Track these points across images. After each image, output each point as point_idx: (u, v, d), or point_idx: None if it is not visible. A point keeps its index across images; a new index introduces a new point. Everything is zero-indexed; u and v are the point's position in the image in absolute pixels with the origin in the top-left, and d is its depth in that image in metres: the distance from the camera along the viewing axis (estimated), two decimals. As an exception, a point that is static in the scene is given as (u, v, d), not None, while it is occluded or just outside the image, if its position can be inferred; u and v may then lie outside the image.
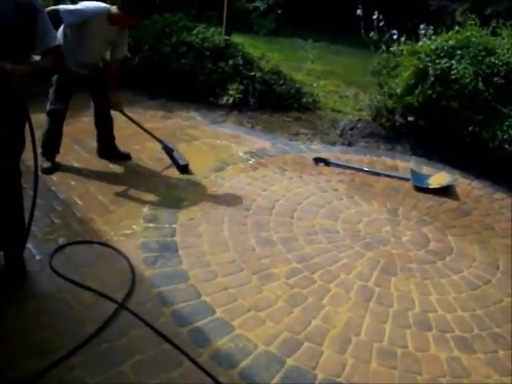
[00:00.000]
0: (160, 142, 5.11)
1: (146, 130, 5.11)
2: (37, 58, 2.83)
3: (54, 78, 4.50)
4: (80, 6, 4.31)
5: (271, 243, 3.79)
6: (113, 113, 4.92)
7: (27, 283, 3.13)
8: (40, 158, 4.17)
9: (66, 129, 4.97)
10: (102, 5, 4.38)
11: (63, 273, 3.22)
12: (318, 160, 5.34)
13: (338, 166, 5.29)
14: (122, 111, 4.92)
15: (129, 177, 4.65)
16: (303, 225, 4.09)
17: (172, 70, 6.95)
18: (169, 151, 5.05)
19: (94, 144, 5.00)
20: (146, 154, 5.12)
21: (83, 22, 4.24)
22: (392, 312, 3.21)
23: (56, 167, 4.63)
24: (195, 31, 7.36)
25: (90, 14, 4.24)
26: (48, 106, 4.58)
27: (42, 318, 2.87)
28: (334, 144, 6.00)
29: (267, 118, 6.64)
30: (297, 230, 4.01)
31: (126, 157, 5.00)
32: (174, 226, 3.88)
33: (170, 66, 6.98)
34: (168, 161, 4.97)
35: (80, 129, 5.44)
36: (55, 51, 2.81)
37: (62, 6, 4.23)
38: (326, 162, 5.32)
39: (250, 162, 5.20)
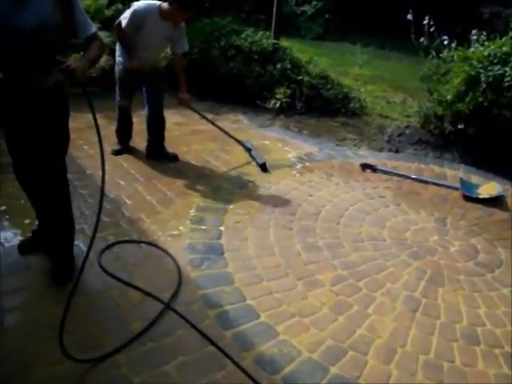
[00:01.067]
0: (238, 141, 5.30)
1: (220, 129, 5.32)
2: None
3: (116, 76, 4.82)
4: (133, 7, 4.52)
5: (317, 249, 3.76)
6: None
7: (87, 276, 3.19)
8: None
9: (115, 129, 5.09)
10: (155, 2, 4.55)
11: (111, 271, 3.28)
12: (365, 166, 5.28)
13: (385, 172, 5.22)
14: (190, 107, 5.09)
15: (176, 178, 4.70)
16: (349, 231, 4.05)
17: (220, 73, 7.01)
18: (247, 150, 5.22)
19: (142, 145, 5.08)
20: (193, 155, 5.17)
21: (137, 21, 4.47)
22: (439, 324, 3.13)
23: (126, 150, 5.14)
24: (244, 35, 7.42)
25: (141, 9, 4.47)
26: (116, 102, 5.00)
27: (91, 315, 2.93)
28: (381, 150, 5.93)
29: (314, 123, 6.62)
30: (343, 236, 3.97)
31: (173, 158, 5.07)
32: (220, 228, 3.90)
33: (218, 69, 7.05)
34: (214, 162, 5.00)
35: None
36: (97, 38, 2.92)
37: (121, 17, 4.54)
38: (373, 169, 5.26)
39: (297, 166, 5.19)
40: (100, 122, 4.96)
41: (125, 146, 5.19)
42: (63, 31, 2.79)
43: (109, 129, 5.33)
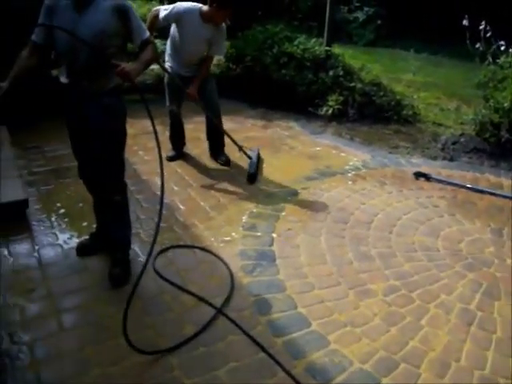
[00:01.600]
0: (239, 147, 5.19)
1: (227, 134, 5.20)
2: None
3: (165, 81, 4.97)
4: (177, 4, 4.70)
5: (369, 258, 3.73)
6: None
7: (132, 283, 3.26)
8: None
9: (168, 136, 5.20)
10: (197, 4, 4.69)
11: (165, 275, 3.34)
12: (418, 174, 5.20)
13: (440, 181, 5.13)
14: (199, 103, 4.95)
15: (229, 184, 4.75)
16: (402, 241, 3.99)
17: (273, 80, 7.04)
18: (248, 157, 5.17)
19: (195, 151, 5.17)
20: (246, 162, 5.21)
21: (178, 21, 4.64)
22: (495, 339, 3.05)
23: (179, 156, 5.28)
24: (296, 42, 7.43)
25: (182, 10, 4.61)
26: (166, 107, 5.12)
27: (146, 318, 3.00)
28: (435, 158, 5.82)
29: (366, 130, 6.56)
30: (396, 246, 3.92)
31: (226, 163, 5.16)
32: (272, 235, 3.92)
33: (271, 76, 7.08)
34: (267, 169, 5.04)
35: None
36: (150, 42, 3.03)
37: (162, 7, 4.68)
38: (427, 177, 5.17)
39: (349, 174, 5.15)
40: (156, 128, 5.04)
41: (178, 152, 5.32)
42: (120, 37, 2.97)
43: (164, 135, 5.44)
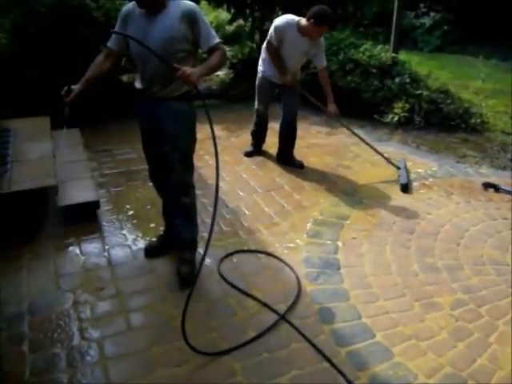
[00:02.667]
0: (387, 160, 5.34)
1: (369, 145, 5.41)
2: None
3: (256, 83, 5.31)
4: (273, 23, 4.94)
5: (436, 270, 3.64)
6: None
7: (197, 285, 3.31)
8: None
9: (235, 141, 5.25)
10: (294, 17, 4.87)
11: (230, 279, 3.38)
12: (487, 185, 5.04)
13: (509, 192, 4.95)
14: (339, 120, 5.33)
15: (293, 190, 4.76)
16: (470, 253, 3.88)
17: (338, 86, 6.99)
18: (397, 168, 5.25)
19: (258, 158, 5.21)
20: (310, 169, 5.24)
21: (280, 35, 4.83)
22: None
23: (257, 153, 5.57)
24: (362, 48, 7.37)
25: (281, 25, 4.82)
26: (255, 107, 5.43)
27: (210, 320, 3.04)
28: (504, 169, 5.62)
29: (433, 138, 6.42)
30: (463, 258, 3.81)
31: (299, 166, 5.28)
32: (336, 243, 3.89)
33: (336, 82, 7.02)
34: (331, 177, 5.01)
35: (248, 142, 5.69)
36: (218, 48, 3.06)
37: (268, 37, 4.96)
38: (496, 188, 5.00)
39: (415, 183, 5.05)
40: (220, 133, 5.25)
41: (256, 149, 5.61)
42: (189, 42, 3.04)
43: (228, 140, 5.53)
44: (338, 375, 2.67)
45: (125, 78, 7.71)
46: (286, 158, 5.37)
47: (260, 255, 3.71)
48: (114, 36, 3.18)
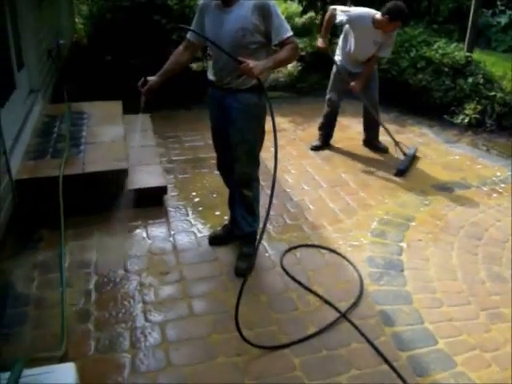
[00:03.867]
0: (396, 142, 5.39)
1: (385, 129, 5.48)
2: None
3: (332, 70, 5.48)
4: (352, 9, 5.23)
5: (503, 280, 3.51)
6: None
7: (259, 277, 3.33)
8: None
9: (301, 134, 5.22)
10: (370, 11, 5.10)
11: (292, 273, 3.38)
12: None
13: None
14: (360, 96, 5.35)
15: (359, 188, 4.70)
16: (541, 265, 3.72)
17: (408, 84, 6.85)
18: (403, 154, 5.34)
19: (327, 151, 5.18)
20: (377, 165, 5.14)
21: (352, 24, 5.11)
22: None
23: (324, 146, 5.58)
24: (435, 46, 7.15)
25: (356, 15, 5.08)
26: (326, 95, 5.53)
27: (271, 313, 3.05)
28: None
29: (505, 142, 6.17)
30: (533, 269, 3.66)
31: (384, 150, 5.53)
32: (401, 244, 3.82)
33: (406, 80, 6.89)
34: (400, 179, 4.92)
35: (314, 135, 5.66)
36: (289, 42, 3.03)
37: (338, 7, 5.19)
38: None
39: (484, 187, 4.88)
40: (286, 126, 5.24)
41: (324, 143, 5.62)
42: (261, 34, 3.02)
43: (295, 133, 5.51)
44: (397, 379, 2.62)
45: (194, 66, 7.82)
46: (372, 144, 5.63)
47: (323, 251, 3.68)
48: (192, 28, 3.24)
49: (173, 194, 4.34)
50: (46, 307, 3.02)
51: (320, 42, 5.31)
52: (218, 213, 4.09)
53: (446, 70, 6.85)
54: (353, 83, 5.19)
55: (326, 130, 5.62)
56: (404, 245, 3.82)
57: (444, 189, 4.77)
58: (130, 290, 3.19)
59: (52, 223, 3.69)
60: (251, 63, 2.86)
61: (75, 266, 3.40)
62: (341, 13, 5.09)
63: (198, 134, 5.57)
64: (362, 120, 5.70)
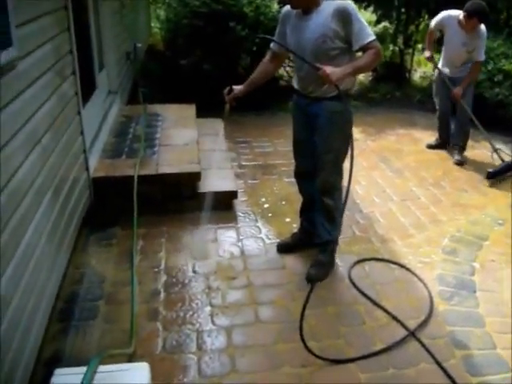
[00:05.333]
0: (494, 149, 5.43)
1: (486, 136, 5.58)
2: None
3: (434, 76, 5.82)
4: (439, 15, 5.45)
5: None
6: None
7: (327, 288, 3.30)
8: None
9: (371, 144, 5.13)
10: (457, 11, 5.24)
11: (360, 287, 3.32)
12: None
13: None
14: (459, 102, 5.44)
15: (430, 203, 4.59)
16: None
17: (484, 97, 6.62)
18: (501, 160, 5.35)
19: (398, 164, 5.08)
20: (450, 180, 5.01)
21: (442, 28, 5.41)
22: None
23: (438, 147, 5.83)
24: (515, 60, 6.89)
25: (439, 17, 5.38)
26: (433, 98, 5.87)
27: (339, 326, 3.00)
28: None
29: None
30: None
31: (461, 162, 5.49)
32: (473, 264, 3.69)
33: (482, 93, 6.66)
34: (473, 193, 4.78)
35: (385, 147, 5.57)
36: (371, 47, 2.97)
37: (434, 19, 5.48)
38: None
39: None
40: (358, 135, 5.16)
41: (440, 144, 5.85)
42: (342, 40, 3.00)
43: (366, 144, 5.44)
44: (467, 405, 2.54)
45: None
46: (455, 152, 5.62)
47: (393, 266, 3.60)
48: (276, 38, 3.27)
49: (242, 199, 4.38)
50: (116, 303, 3.10)
51: (426, 53, 5.63)
52: (288, 219, 4.10)
53: (525, 84, 6.60)
54: (455, 90, 5.33)
55: (442, 131, 5.83)
56: (476, 265, 3.68)
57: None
58: (198, 292, 3.23)
59: (125, 221, 3.80)
60: (328, 69, 2.84)
61: (145, 264, 3.48)
62: (433, 21, 5.45)
63: (267, 140, 5.61)
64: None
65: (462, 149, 5.61)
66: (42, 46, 2.88)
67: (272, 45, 3.33)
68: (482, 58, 5.35)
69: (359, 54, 3.08)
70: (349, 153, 2.99)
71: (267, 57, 3.38)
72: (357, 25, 2.96)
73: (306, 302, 2.72)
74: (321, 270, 3.40)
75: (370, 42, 2.97)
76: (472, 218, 4.35)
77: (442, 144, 5.85)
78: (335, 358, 2.74)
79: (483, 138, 6.12)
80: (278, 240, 3.80)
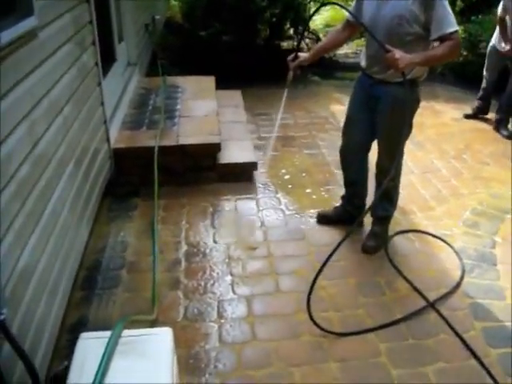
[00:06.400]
0: None
1: None
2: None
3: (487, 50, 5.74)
4: None
5: None
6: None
7: (348, 260, 3.30)
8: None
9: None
10: None
11: (381, 258, 3.33)
12: None
13: None
14: None
15: (451, 175, 4.56)
16: None
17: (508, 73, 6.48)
18: None
19: (419, 137, 5.04)
20: (471, 155, 4.97)
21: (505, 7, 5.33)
22: None
23: (475, 117, 5.90)
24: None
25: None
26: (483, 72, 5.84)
27: (360, 297, 3.02)
28: None
29: None
30: None
31: (507, 136, 5.47)
32: (494, 237, 3.66)
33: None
34: (494, 166, 4.71)
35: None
36: (450, 38, 2.77)
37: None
38: None
39: None
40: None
41: (477, 113, 5.93)
42: (420, 25, 2.81)
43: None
44: (486, 376, 2.51)
45: (285, 44, 7.79)
46: (499, 126, 5.61)
47: (413, 238, 3.59)
48: (352, 9, 3.12)
49: (262, 170, 4.37)
50: (138, 272, 3.15)
51: (506, 46, 5.45)
52: (307, 191, 4.11)
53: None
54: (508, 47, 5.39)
55: (482, 101, 5.86)
56: (498, 238, 3.65)
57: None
58: (219, 262, 3.26)
59: (145, 192, 3.83)
60: (398, 53, 2.70)
61: (166, 234, 3.51)
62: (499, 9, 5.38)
63: (288, 113, 5.55)
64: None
65: (507, 122, 5.63)
66: (61, 16, 2.87)
67: (347, 15, 3.18)
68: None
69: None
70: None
71: (340, 26, 3.29)
72: (440, 11, 2.75)
73: (319, 273, 2.71)
74: (376, 242, 3.41)
75: (452, 32, 2.76)
76: (493, 192, 4.30)
77: (479, 114, 5.92)
78: (345, 331, 2.74)
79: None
80: (297, 212, 3.82)
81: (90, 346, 1.80)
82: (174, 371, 1.82)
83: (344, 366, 2.55)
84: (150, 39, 6.54)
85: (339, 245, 2.69)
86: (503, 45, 5.46)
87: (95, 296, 2.93)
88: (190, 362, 2.54)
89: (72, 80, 3.01)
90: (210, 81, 5.39)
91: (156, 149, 3.85)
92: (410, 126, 3.06)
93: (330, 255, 2.67)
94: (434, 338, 2.76)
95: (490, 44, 5.70)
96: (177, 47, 6.89)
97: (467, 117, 5.94)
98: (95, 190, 3.44)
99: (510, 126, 5.60)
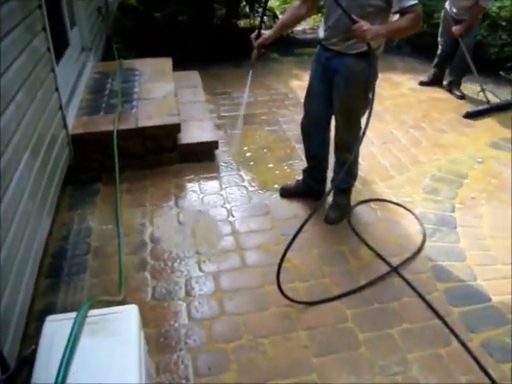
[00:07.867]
0: (482, 89, 5.68)
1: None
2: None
3: (441, 16, 5.87)
4: None
5: (561, 239, 3.42)
6: None
7: (311, 231, 3.33)
8: None
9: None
10: None
11: (343, 227, 3.40)
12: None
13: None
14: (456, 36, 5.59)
15: (410, 144, 4.64)
16: None
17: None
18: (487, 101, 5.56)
19: (378, 108, 5.08)
20: (429, 124, 5.08)
21: None
22: None
23: (431, 84, 6.08)
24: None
25: None
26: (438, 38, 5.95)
27: (324, 266, 3.08)
28: None
29: None
30: None
31: (460, 97, 5.76)
32: (453, 201, 3.76)
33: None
34: (451, 134, 4.83)
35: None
36: (411, 10, 2.77)
37: None
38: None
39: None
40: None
41: (432, 81, 6.10)
42: None
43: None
44: (449, 335, 2.62)
45: (241, 22, 7.74)
46: (453, 87, 5.87)
47: (374, 206, 3.67)
48: None
49: (224, 149, 4.37)
50: (104, 257, 3.13)
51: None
52: (269, 166, 4.14)
53: (504, 24, 6.54)
54: (454, 27, 5.50)
55: (438, 68, 6.04)
56: (456, 202, 3.75)
57: (499, 146, 4.63)
58: (185, 242, 3.26)
59: (107, 177, 3.80)
60: (365, 25, 2.67)
61: (130, 218, 3.49)
62: None
63: (248, 91, 5.54)
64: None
65: (459, 84, 5.87)
66: (8, 1, 2.80)
67: None
68: (487, 3, 5.46)
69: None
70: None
71: (298, 1, 3.20)
72: None
73: (289, 246, 2.73)
74: (339, 212, 3.46)
75: (412, 5, 2.75)
76: (452, 158, 4.41)
77: (434, 81, 6.09)
78: (312, 300, 2.81)
79: (463, 80, 6.14)
80: (260, 187, 3.86)
81: (56, 327, 1.80)
82: (142, 346, 1.83)
83: (312, 334, 2.61)
84: (104, 23, 6.42)
85: (306, 221, 2.72)
86: (454, 10, 5.58)
87: (62, 283, 2.91)
88: (160, 340, 2.55)
89: (23, 66, 2.94)
90: (167, 62, 5.33)
91: (115, 133, 3.80)
92: (367, 100, 3.04)
93: (299, 230, 2.70)
94: (398, 301, 2.84)
95: (443, 10, 5.80)
96: (132, 30, 6.76)
97: (422, 84, 6.11)
98: (55, 177, 3.39)
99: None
